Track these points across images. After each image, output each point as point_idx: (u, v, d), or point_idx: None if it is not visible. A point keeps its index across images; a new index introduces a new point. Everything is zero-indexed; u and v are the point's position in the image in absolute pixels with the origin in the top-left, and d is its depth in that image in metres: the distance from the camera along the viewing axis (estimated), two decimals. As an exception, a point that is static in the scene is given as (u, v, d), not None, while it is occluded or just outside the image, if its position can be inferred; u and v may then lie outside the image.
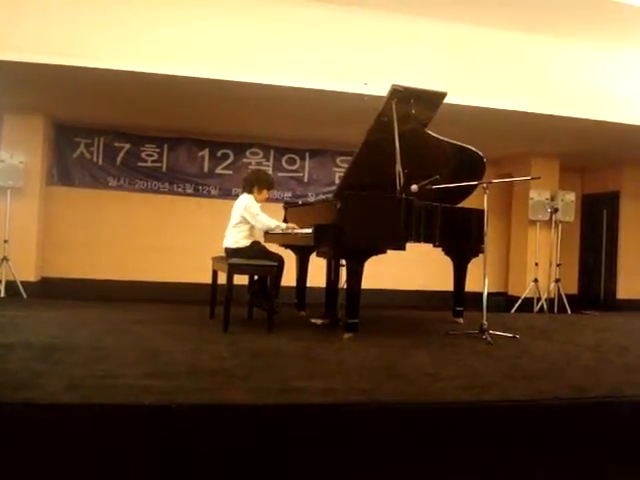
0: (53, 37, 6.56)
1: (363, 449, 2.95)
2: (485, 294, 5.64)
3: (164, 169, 10.10)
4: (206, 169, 10.26)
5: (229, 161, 10.30)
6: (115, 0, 6.79)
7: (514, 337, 5.70)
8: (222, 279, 5.68)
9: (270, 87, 7.10)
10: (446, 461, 3.04)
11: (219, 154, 10.28)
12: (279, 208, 7.16)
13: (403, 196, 5.41)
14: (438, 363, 4.46)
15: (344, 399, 3.28)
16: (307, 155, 10.61)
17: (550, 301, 10.00)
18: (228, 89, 7.25)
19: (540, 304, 9.99)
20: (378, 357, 4.62)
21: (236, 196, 6.38)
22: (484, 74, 7.67)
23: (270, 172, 10.06)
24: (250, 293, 6.20)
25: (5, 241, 8.56)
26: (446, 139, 6.12)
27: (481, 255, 6.18)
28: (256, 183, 6.01)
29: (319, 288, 6.71)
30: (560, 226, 10.35)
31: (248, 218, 5.79)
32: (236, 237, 5.83)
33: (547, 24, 7.59)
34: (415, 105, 5.79)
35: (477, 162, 6.31)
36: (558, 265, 10.13)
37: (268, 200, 6.17)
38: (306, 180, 10.61)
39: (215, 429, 2.87)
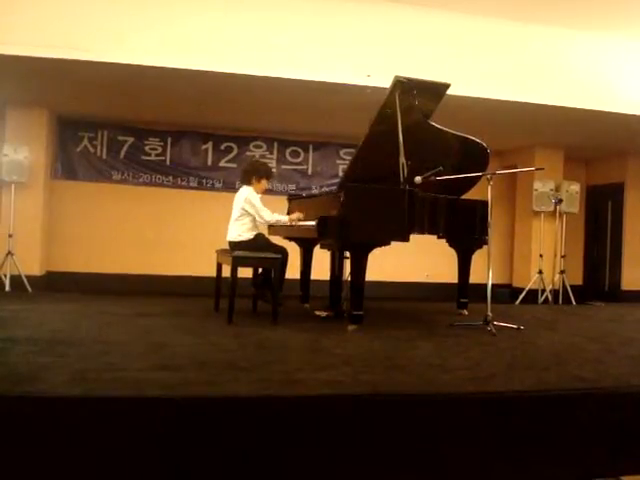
0: (56, 31, 6.55)
1: (369, 440, 2.95)
2: (489, 285, 5.64)
3: (168, 162, 10.10)
4: (210, 162, 10.25)
5: (233, 154, 10.29)
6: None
7: (518, 328, 5.70)
8: (226, 272, 5.69)
9: (273, 79, 7.08)
10: (450, 451, 3.04)
11: (223, 147, 10.27)
12: (283, 201, 7.16)
13: (407, 188, 5.41)
14: (443, 354, 4.47)
15: (349, 391, 3.29)
16: (311, 148, 10.59)
17: (555, 292, 9.98)
18: (231, 82, 7.24)
19: (545, 295, 9.98)
20: (383, 349, 4.62)
21: (240, 189, 6.39)
22: (487, 65, 7.63)
23: (274, 165, 10.09)
24: (254, 286, 6.20)
25: (10, 235, 8.58)
26: (450, 130, 6.11)
27: (485, 246, 6.17)
28: (254, 173, 6.01)
29: (323, 280, 6.70)
30: (564, 217, 10.33)
31: (249, 210, 5.79)
32: (239, 230, 5.83)
33: (551, 14, 7.56)
34: (418, 96, 5.78)
35: (481, 153, 6.29)
36: (563, 256, 10.12)
37: (272, 193, 6.18)
38: (310, 173, 10.59)
39: (220, 421, 2.88)
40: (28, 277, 8.56)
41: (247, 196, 5.82)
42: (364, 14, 7.30)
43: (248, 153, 10.29)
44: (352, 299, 5.44)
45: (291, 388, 3.29)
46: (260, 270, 6.14)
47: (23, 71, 7.16)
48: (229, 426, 2.87)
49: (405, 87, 5.65)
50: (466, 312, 6.69)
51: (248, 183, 5.98)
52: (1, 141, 8.80)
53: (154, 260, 9.75)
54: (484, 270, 5.73)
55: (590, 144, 10.50)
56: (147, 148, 10.02)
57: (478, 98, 7.56)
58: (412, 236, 5.46)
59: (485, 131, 7.18)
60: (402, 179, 5.47)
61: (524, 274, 10.71)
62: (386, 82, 5.74)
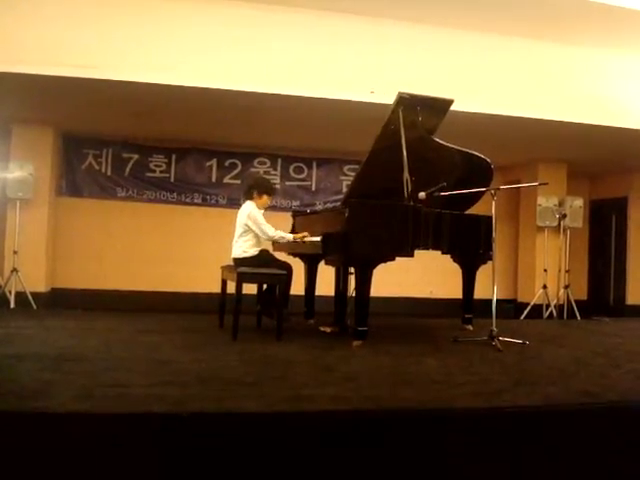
0: (62, 49, 6.61)
1: (374, 456, 2.94)
2: (494, 301, 5.63)
3: (172, 179, 10.13)
4: (214, 179, 10.29)
5: (237, 171, 10.32)
6: (122, 12, 6.84)
7: (524, 343, 5.68)
8: (231, 288, 5.70)
9: (276, 96, 7.12)
10: (457, 467, 3.03)
11: (227, 164, 10.30)
12: (287, 217, 7.17)
13: (411, 203, 5.42)
14: (448, 370, 4.46)
15: (354, 407, 3.28)
16: (314, 164, 10.62)
17: (559, 307, 9.97)
18: (235, 99, 7.28)
19: (549, 310, 9.96)
20: (388, 364, 4.62)
21: (244, 205, 6.40)
22: (491, 81, 7.67)
23: (278, 181, 10.15)
24: (259, 302, 6.20)
25: (15, 252, 8.59)
26: (453, 146, 6.11)
27: (490, 262, 6.17)
28: (255, 188, 6.01)
29: (328, 296, 6.70)
30: (568, 232, 10.32)
31: (252, 226, 5.78)
32: (244, 246, 5.83)
33: (554, 31, 7.60)
34: (422, 112, 5.80)
35: (485, 168, 6.29)
36: (567, 271, 10.11)
37: (276, 209, 6.19)
38: (314, 189, 10.62)
39: (225, 437, 2.87)
40: (33, 294, 8.55)
41: (249, 212, 5.80)
42: (366, 31, 7.35)
43: (252, 170, 10.31)
44: (357, 315, 5.42)
45: (296, 404, 3.29)
46: (265, 286, 6.15)
47: (29, 89, 7.21)
48: (235, 442, 2.86)
49: (408, 103, 5.67)
50: (471, 327, 6.67)
51: (250, 198, 5.98)
52: (7, 158, 8.84)
53: (158, 277, 9.76)
54: (488, 285, 5.73)
55: (594, 159, 10.50)
56: (152, 165, 10.05)
57: (481, 114, 7.59)
58: (416, 252, 5.46)
59: (488, 146, 7.18)
60: (406, 195, 5.48)
61: (529, 289, 10.69)
62: (390, 98, 5.76)
